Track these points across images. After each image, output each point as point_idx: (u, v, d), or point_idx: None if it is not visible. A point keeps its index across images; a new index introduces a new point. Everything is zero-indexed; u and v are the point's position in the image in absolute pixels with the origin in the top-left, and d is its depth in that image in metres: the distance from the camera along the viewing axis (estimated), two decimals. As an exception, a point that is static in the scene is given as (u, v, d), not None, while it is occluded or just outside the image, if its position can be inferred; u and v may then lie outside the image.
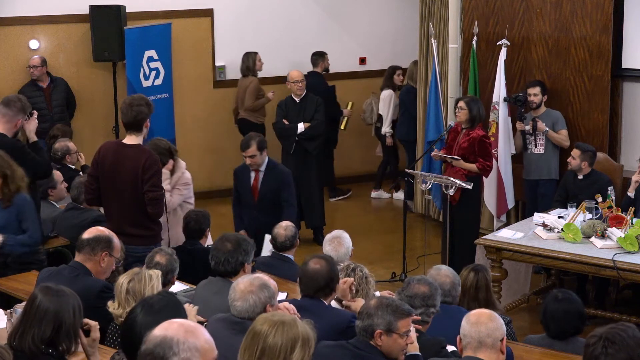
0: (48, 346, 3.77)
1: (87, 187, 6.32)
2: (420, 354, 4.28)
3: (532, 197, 8.46)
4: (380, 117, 10.93)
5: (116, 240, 5.17)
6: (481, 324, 3.92)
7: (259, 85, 10.59)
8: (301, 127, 9.33)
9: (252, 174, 7.66)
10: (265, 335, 3.27)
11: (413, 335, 4.24)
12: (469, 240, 7.55)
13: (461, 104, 7.89)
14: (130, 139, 6.13)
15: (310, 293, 4.73)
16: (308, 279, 4.74)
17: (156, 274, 4.66)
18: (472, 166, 7.82)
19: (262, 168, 7.62)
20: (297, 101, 9.46)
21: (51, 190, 7.48)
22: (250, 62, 10.58)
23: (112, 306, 4.58)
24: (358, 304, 4.85)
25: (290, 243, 6.37)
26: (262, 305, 4.23)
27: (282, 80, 11.23)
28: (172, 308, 3.65)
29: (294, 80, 9.46)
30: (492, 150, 8.40)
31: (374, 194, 11.27)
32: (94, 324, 4.02)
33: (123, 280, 4.56)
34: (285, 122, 9.42)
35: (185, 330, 2.79)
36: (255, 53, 10.65)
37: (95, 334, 4.02)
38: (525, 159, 8.48)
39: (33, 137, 6.64)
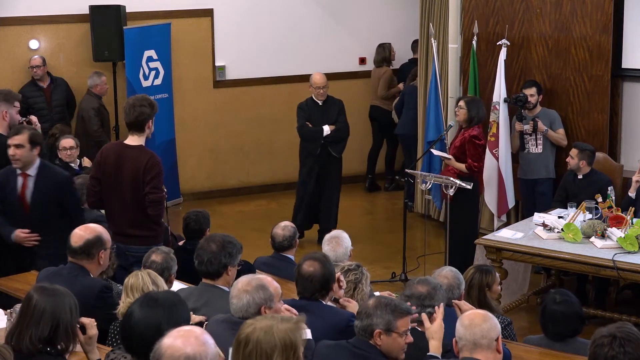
0: (46, 345, 3.78)
1: (90, 189, 6.28)
2: (439, 356, 4.27)
3: (529, 196, 8.47)
4: None
5: (103, 231, 5.16)
6: (475, 325, 3.91)
7: (392, 75, 11.15)
8: (327, 129, 9.11)
9: (20, 179, 6.30)
10: (245, 344, 3.21)
11: (440, 332, 4.24)
12: (465, 238, 7.57)
13: (461, 103, 7.97)
14: (132, 140, 6.12)
15: (307, 296, 4.74)
16: (303, 282, 4.74)
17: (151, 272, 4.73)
18: (462, 166, 7.93)
19: (32, 172, 6.30)
20: (320, 104, 9.21)
21: None
22: (387, 53, 11.17)
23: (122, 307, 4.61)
24: (353, 305, 4.84)
25: (289, 243, 6.36)
26: (255, 306, 4.21)
27: (281, 80, 11.27)
28: (175, 303, 3.67)
29: (317, 86, 9.15)
30: (493, 150, 8.44)
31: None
32: (89, 322, 4.03)
33: (141, 278, 4.58)
34: (309, 124, 9.18)
35: (201, 342, 3.01)
36: (389, 44, 11.20)
37: (92, 330, 4.03)
38: (522, 159, 8.48)
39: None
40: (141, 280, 4.63)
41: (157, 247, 5.54)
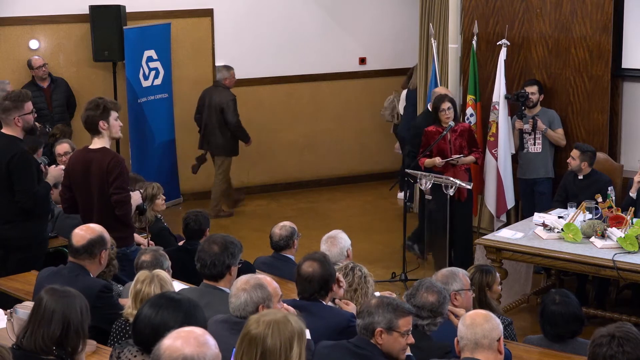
0: (57, 346, 3.78)
1: (61, 197, 6.40)
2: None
3: (528, 196, 8.51)
4: (400, 116, 10.86)
5: (104, 230, 5.20)
6: (477, 325, 3.91)
7: None
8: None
9: None
10: (263, 339, 3.27)
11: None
12: (467, 236, 7.65)
13: (448, 105, 8.05)
14: (94, 143, 6.18)
15: (306, 296, 4.74)
16: (302, 283, 4.74)
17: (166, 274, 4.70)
18: (472, 158, 8.07)
19: None
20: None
21: (52, 190, 7.46)
22: None
23: (129, 311, 4.60)
24: (350, 307, 4.84)
25: (285, 243, 6.34)
26: (253, 305, 4.21)
27: (281, 80, 11.27)
28: (195, 305, 3.74)
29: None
30: (492, 150, 8.51)
31: (399, 195, 10.74)
32: None
33: (142, 286, 4.57)
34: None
35: (200, 343, 3.01)
36: None
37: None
38: (521, 158, 8.50)
39: (49, 180, 6.57)
40: (147, 289, 4.60)
41: (145, 247, 5.58)
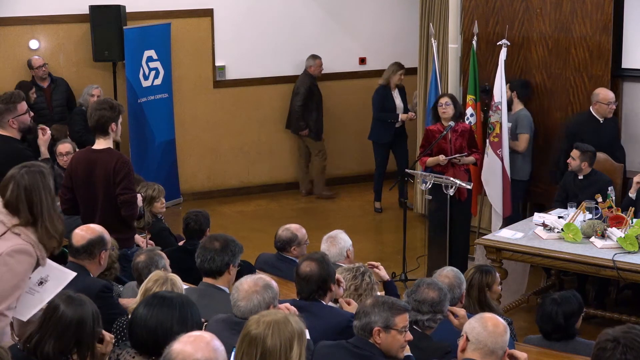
0: (63, 356, 3.76)
1: (61, 197, 6.35)
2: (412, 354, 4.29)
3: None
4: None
5: (104, 231, 5.18)
6: (499, 335, 3.85)
7: None
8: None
9: None
10: (263, 339, 3.27)
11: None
12: (465, 237, 7.65)
13: (447, 100, 8.03)
14: (99, 144, 6.17)
15: (305, 296, 4.75)
16: (300, 283, 4.75)
17: (176, 277, 4.69)
18: (473, 159, 8.11)
19: None
20: (602, 121, 8.05)
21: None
22: None
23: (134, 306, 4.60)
24: (352, 306, 4.85)
25: (282, 246, 6.30)
26: (266, 306, 4.22)
27: (282, 80, 11.26)
28: (188, 303, 3.73)
29: (609, 101, 7.99)
30: (497, 151, 8.50)
31: None
32: (109, 338, 3.97)
33: (153, 286, 4.57)
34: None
35: (211, 348, 3.06)
36: None
37: (108, 347, 3.97)
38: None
39: (44, 154, 6.56)
40: (157, 289, 4.61)
41: (142, 249, 5.57)
